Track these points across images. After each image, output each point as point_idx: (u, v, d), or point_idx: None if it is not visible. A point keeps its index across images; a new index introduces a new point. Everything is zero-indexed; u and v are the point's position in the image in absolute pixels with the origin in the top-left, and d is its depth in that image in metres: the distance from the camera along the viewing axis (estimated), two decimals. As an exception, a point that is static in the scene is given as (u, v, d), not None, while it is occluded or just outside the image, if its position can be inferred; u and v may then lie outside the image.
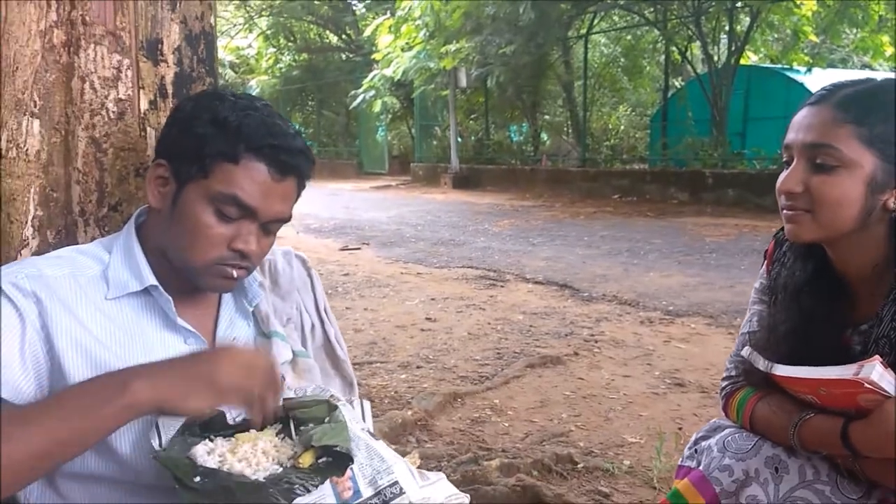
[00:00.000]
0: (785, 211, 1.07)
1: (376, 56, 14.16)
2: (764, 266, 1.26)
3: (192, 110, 1.01)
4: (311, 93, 21.50)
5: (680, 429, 2.52)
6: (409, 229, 8.19)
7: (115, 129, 1.24)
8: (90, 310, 0.97)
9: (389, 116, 17.95)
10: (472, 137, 16.09)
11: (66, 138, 1.21)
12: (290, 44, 20.84)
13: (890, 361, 0.98)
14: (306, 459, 0.89)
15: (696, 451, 1.21)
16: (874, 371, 0.90)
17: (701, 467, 1.16)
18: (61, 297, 0.95)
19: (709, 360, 3.31)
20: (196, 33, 1.37)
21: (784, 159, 1.08)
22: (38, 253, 1.17)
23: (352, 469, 0.88)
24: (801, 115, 1.06)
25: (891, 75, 1.17)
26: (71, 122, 1.21)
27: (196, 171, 0.97)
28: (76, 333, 0.94)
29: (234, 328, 1.12)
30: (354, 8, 19.82)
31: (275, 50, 20.92)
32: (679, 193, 10.30)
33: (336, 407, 0.97)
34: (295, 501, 0.83)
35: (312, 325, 1.32)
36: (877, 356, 0.93)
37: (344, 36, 20.07)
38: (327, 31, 20.61)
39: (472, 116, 16.60)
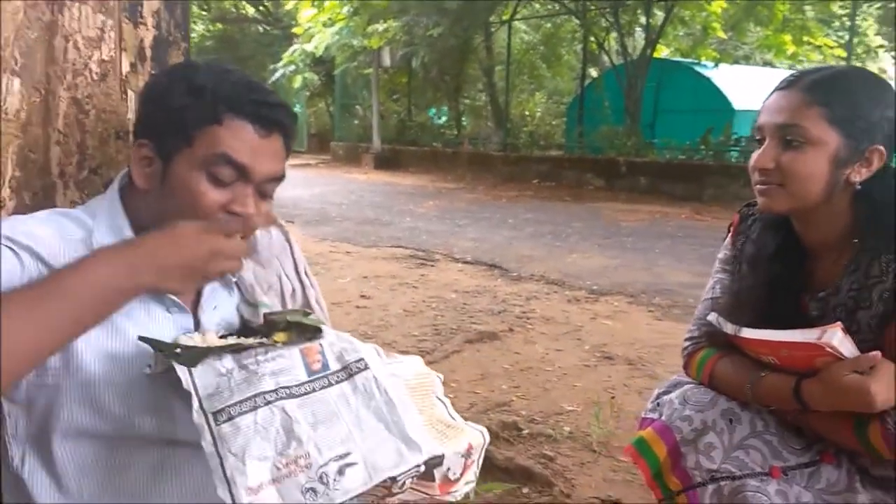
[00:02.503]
0: (758, 186, 1.19)
1: (297, 30, 13.83)
2: (728, 238, 1.38)
3: (168, 84, 1.00)
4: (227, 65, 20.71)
5: (612, 398, 2.68)
6: (333, 208, 8.13)
7: (98, 90, 1.22)
8: None
9: (308, 93, 17.59)
10: (395, 117, 16.03)
11: (46, 98, 1.18)
12: (203, 13, 19.99)
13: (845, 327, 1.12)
14: (280, 338, 0.96)
15: (658, 404, 1.32)
16: (835, 337, 1.02)
17: (663, 418, 1.27)
18: (52, 256, 0.94)
19: (633, 336, 3.51)
20: (174, -3, 1.35)
21: (756, 139, 1.20)
22: (14, 215, 1.13)
23: (321, 344, 0.94)
24: (772, 99, 1.18)
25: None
26: (52, 81, 1.17)
27: (180, 143, 0.96)
28: None
29: (216, 298, 1.12)
30: (272, -21, 19.24)
31: (187, 18, 19.97)
32: (595, 180, 10.67)
33: (310, 313, 1.07)
34: (266, 369, 0.88)
35: (293, 290, 1.34)
36: (838, 323, 1.05)
37: (261, 7, 19.45)
38: (243, 2, 19.91)
39: (394, 97, 16.52)
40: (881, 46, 14.72)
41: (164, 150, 0.97)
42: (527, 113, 15.20)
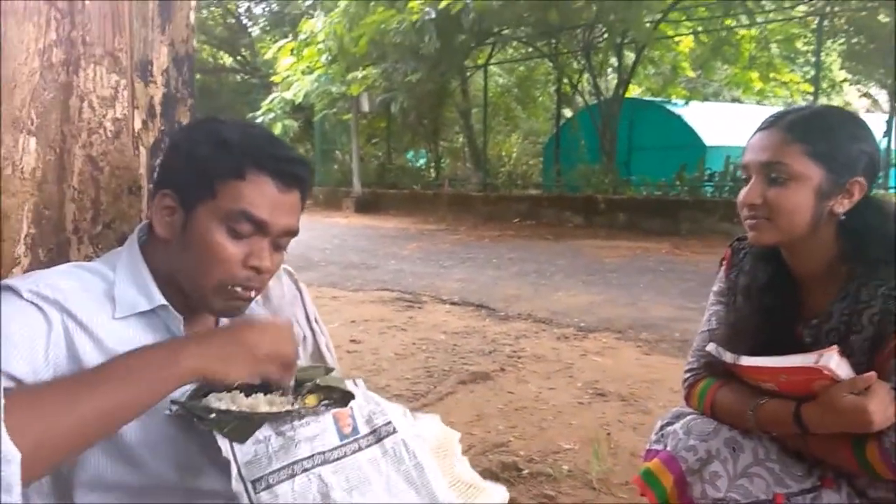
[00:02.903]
0: (748, 220, 1.25)
1: (275, 78, 14.02)
2: (722, 271, 1.43)
3: (191, 136, 1.04)
4: (205, 115, 20.85)
5: (608, 434, 2.70)
6: (317, 253, 8.14)
7: (112, 147, 1.26)
8: (101, 327, 0.97)
9: (287, 140, 17.71)
10: (374, 162, 16.19)
11: (61, 156, 1.21)
12: (180, 64, 20.16)
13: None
14: (311, 400, 0.98)
15: (662, 435, 1.35)
16: (832, 360, 1.07)
17: (668, 448, 1.30)
18: (77, 310, 0.95)
19: (623, 371, 3.54)
20: (181, 56, 1.40)
21: (743, 177, 1.26)
22: (29, 271, 1.15)
23: (351, 408, 0.96)
24: (756, 139, 1.25)
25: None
26: (67, 140, 1.21)
27: (204, 194, 0.99)
28: (91, 347, 0.95)
29: None
30: (250, 30, 19.54)
31: (164, 69, 20.15)
32: (574, 217, 10.82)
33: (333, 369, 1.09)
34: (302, 435, 0.90)
35: (304, 337, 1.38)
36: (835, 346, 1.09)
37: (239, 57, 19.70)
38: (221, 52, 20.17)
39: (373, 141, 16.71)
40: (845, 80, 15.25)
41: (187, 201, 1.00)
42: (504, 153, 15.44)
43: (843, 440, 1.15)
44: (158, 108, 1.35)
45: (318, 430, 0.92)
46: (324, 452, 0.90)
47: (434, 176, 15.20)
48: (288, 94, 13.25)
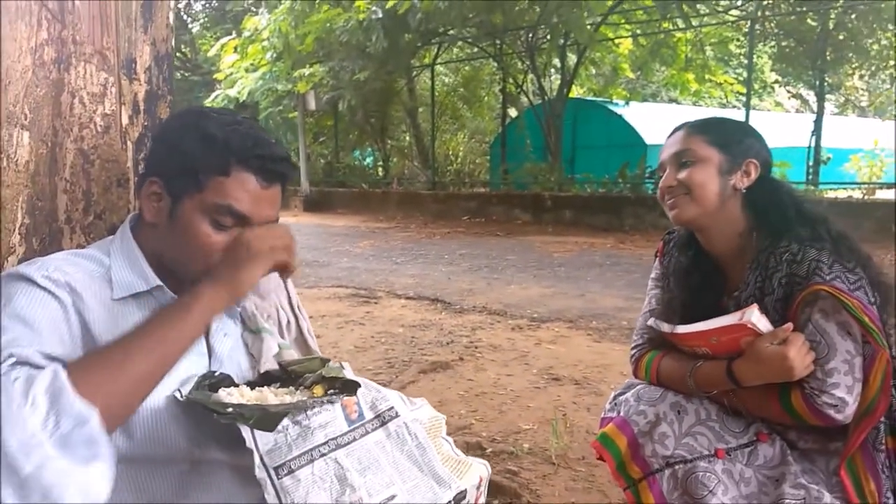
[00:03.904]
0: (668, 202, 1.44)
1: (218, 76, 13.81)
2: (657, 260, 1.63)
3: (180, 128, 1.10)
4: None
5: (564, 415, 2.85)
6: (268, 252, 8.11)
7: (102, 141, 1.32)
8: (104, 306, 1.04)
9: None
10: (321, 160, 16.11)
11: (53, 150, 1.27)
12: (118, 61, 19.60)
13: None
14: (318, 391, 1.06)
15: (615, 403, 1.50)
16: (754, 315, 1.24)
17: (621, 414, 1.45)
18: (84, 291, 1.02)
19: (576, 358, 3.71)
20: (162, 54, 1.47)
21: (659, 173, 1.47)
22: (24, 260, 1.21)
23: (357, 395, 1.06)
24: (669, 141, 1.48)
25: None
26: (59, 134, 1.27)
27: (190, 186, 1.06)
28: (100, 324, 1.02)
29: (225, 327, 1.23)
30: (190, 27, 19.17)
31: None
32: (522, 214, 11.04)
33: (328, 360, 1.17)
34: (316, 423, 0.99)
35: (288, 321, 1.46)
36: (754, 304, 1.27)
37: (179, 54, 19.28)
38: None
39: (320, 140, 16.62)
40: (776, 82, 15.95)
41: (174, 190, 1.07)
42: (451, 152, 15.59)
43: (772, 392, 1.31)
44: (142, 105, 1.42)
45: (330, 418, 1.01)
46: (336, 438, 0.99)
47: (382, 174, 15.24)
48: (232, 92, 13.05)
